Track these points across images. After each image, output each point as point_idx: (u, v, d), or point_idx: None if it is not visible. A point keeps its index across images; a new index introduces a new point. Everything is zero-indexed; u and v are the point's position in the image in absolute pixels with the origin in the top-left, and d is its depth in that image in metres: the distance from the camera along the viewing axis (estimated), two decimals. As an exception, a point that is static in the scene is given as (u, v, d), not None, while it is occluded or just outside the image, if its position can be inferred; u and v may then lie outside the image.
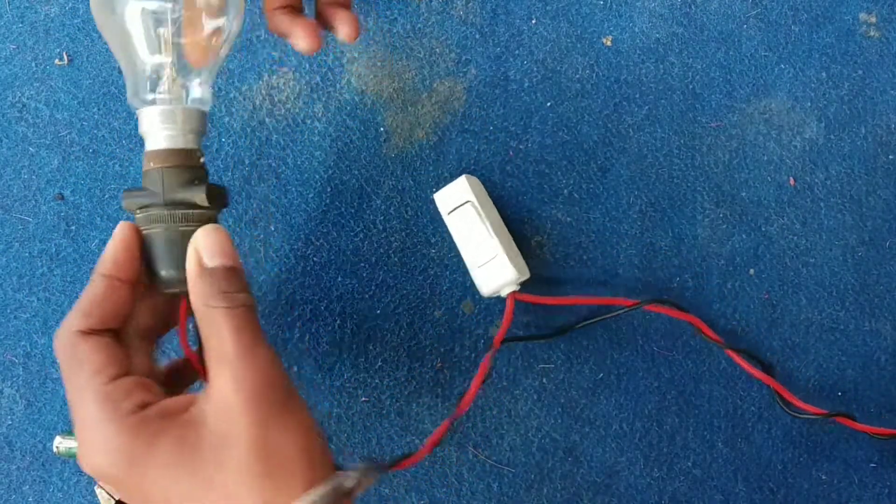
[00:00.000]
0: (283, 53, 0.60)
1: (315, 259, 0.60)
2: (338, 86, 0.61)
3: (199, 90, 0.49)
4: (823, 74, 0.62)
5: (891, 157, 0.61)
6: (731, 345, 0.59)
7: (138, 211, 0.47)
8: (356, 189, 0.60)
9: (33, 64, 0.60)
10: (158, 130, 0.47)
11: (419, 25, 0.61)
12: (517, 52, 0.61)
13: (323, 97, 0.60)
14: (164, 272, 0.47)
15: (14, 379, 0.59)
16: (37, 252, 0.59)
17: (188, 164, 0.47)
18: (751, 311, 0.60)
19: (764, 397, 0.60)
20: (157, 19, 0.48)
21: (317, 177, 0.60)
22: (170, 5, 0.48)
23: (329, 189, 0.60)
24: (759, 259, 0.61)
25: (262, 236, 0.60)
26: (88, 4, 0.60)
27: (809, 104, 0.61)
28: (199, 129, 0.48)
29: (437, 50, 0.61)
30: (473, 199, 0.57)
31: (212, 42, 0.49)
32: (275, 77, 0.60)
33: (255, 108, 0.60)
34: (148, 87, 0.48)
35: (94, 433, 0.43)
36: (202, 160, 0.48)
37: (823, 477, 0.60)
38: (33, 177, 0.60)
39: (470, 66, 0.61)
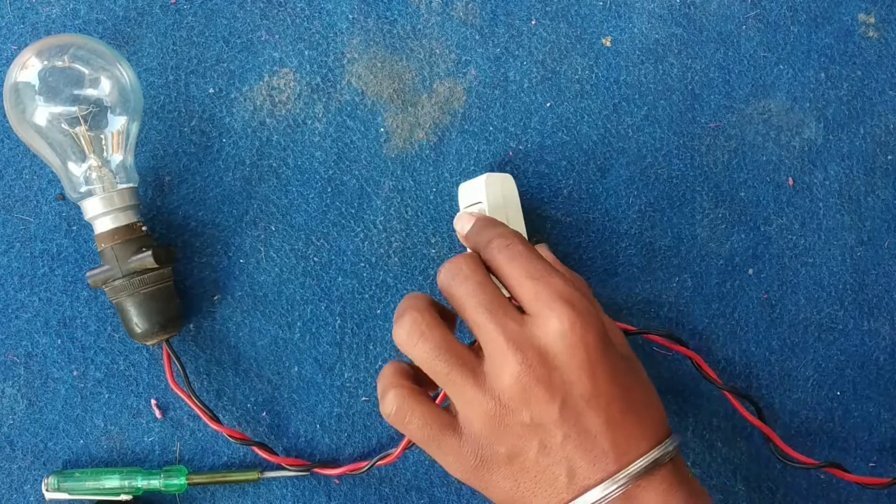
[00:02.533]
0: (283, 54, 0.61)
1: (315, 259, 0.60)
2: (338, 86, 0.61)
3: (124, 172, 0.56)
4: (822, 75, 0.62)
5: (889, 157, 0.61)
6: (728, 385, 0.58)
7: (104, 286, 0.55)
8: (356, 189, 0.60)
9: (35, 65, 0.60)
10: (102, 216, 0.55)
11: (419, 26, 0.61)
12: (517, 52, 0.61)
13: (323, 98, 0.61)
14: (140, 329, 0.56)
15: (15, 379, 0.59)
16: (38, 252, 0.60)
17: (133, 237, 0.55)
18: (749, 311, 0.61)
19: (763, 397, 0.60)
20: (70, 121, 0.55)
21: (317, 177, 0.60)
22: (75, 108, 0.54)
23: (329, 189, 0.60)
24: (758, 259, 0.61)
25: (262, 236, 0.60)
26: (90, 5, 0.60)
27: (808, 105, 0.62)
28: (134, 203, 0.56)
29: (437, 51, 0.61)
30: (484, 201, 0.56)
31: (122, 134, 0.56)
32: (275, 78, 0.61)
33: (255, 109, 0.61)
34: (83, 182, 0.55)
35: None
36: (144, 228, 0.56)
37: (822, 476, 0.60)
38: (34, 177, 0.60)
39: (470, 67, 0.61)
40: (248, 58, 0.61)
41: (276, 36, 0.61)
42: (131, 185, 0.57)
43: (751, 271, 0.61)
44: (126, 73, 0.56)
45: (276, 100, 0.61)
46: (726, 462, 0.60)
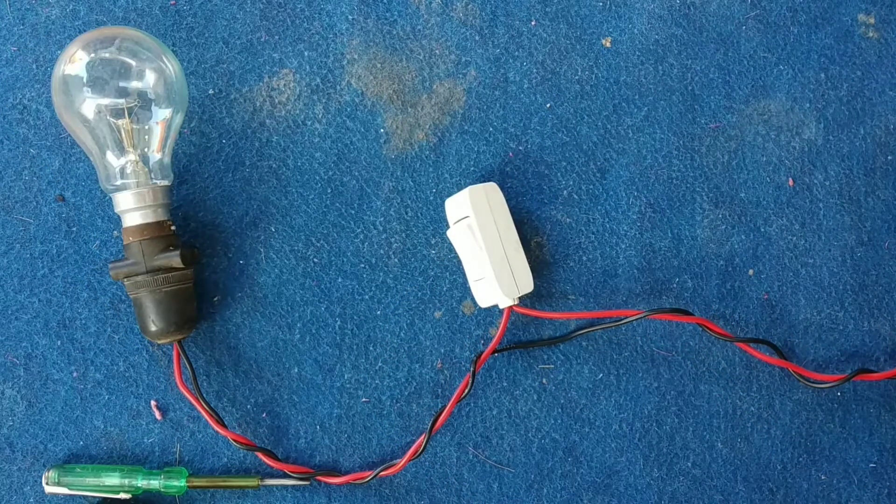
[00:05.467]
0: (283, 55, 0.61)
1: (315, 260, 0.60)
2: (338, 87, 0.61)
3: (160, 169, 0.57)
4: (822, 75, 0.62)
5: (889, 157, 0.61)
6: (741, 337, 0.59)
7: (125, 279, 0.55)
8: (356, 190, 0.60)
9: (34, 66, 0.60)
10: (133, 210, 0.55)
11: (419, 27, 0.61)
12: (517, 53, 0.61)
13: (323, 99, 0.61)
14: (156, 327, 0.55)
15: (15, 380, 0.59)
16: (38, 253, 0.60)
17: (162, 234, 0.55)
18: (750, 312, 0.61)
19: (763, 397, 0.60)
20: (114, 112, 0.55)
21: (317, 178, 0.60)
22: (122, 100, 0.55)
23: (329, 190, 0.60)
24: (759, 259, 0.61)
25: (262, 237, 0.60)
26: (89, 6, 0.60)
27: (808, 105, 0.62)
28: (166, 201, 0.56)
29: (437, 51, 0.61)
30: (472, 214, 0.57)
31: (165, 127, 0.56)
32: (275, 79, 0.61)
33: (255, 110, 0.60)
34: (118, 175, 0.56)
35: None
36: (173, 228, 0.55)
37: (823, 477, 0.60)
38: (34, 178, 0.60)
39: (469, 68, 0.61)
40: (248, 59, 0.61)
41: (276, 37, 0.61)
42: (166, 182, 0.57)
43: (751, 272, 0.61)
44: (171, 65, 0.56)
45: (276, 101, 0.61)
46: (726, 462, 0.60)
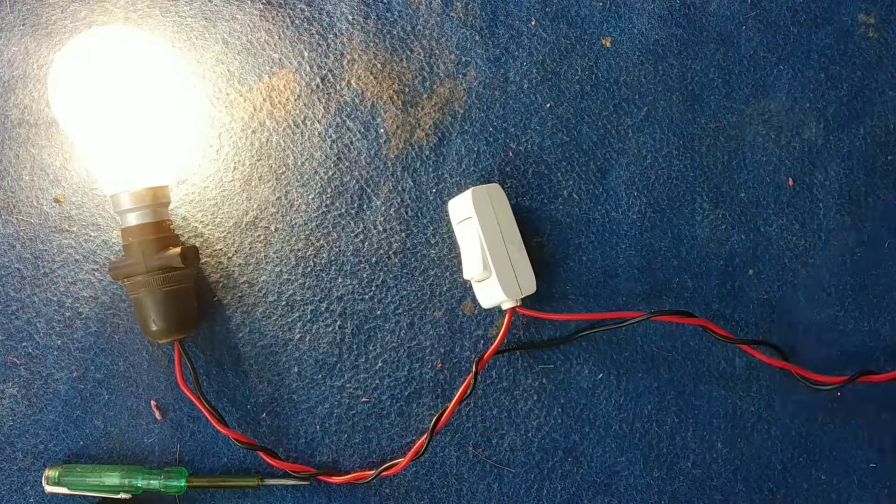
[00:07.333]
0: (283, 55, 0.61)
1: (315, 260, 0.60)
2: (338, 87, 0.61)
3: (158, 168, 0.56)
4: (822, 75, 0.62)
5: (889, 157, 0.61)
6: (743, 339, 0.59)
7: (125, 279, 0.55)
8: (356, 190, 0.60)
9: (35, 65, 0.60)
10: (131, 211, 0.55)
11: (419, 27, 0.61)
12: (517, 53, 0.61)
13: (323, 98, 0.61)
14: (156, 327, 0.55)
15: (16, 380, 0.59)
16: (38, 253, 0.60)
17: (162, 234, 0.54)
18: (750, 312, 0.61)
19: (763, 398, 0.60)
20: None
21: (317, 178, 0.60)
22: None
23: (329, 190, 0.60)
24: (758, 259, 0.61)
25: (262, 237, 0.60)
26: (90, 6, 0.60)
27: (808, 105, 0.62)
28: (164, 201, 0.56)
29: (437, 52, 0.61)
30: (475, 215, 0.57)
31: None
32: (275, 78, 0.61)
33: (255, 110, 0.60)
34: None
35: None
36: (172, 228, 0.56)
37: (823, 477, 0.60)
38: (35, 178, 0.60)
39: (469, 68, 0.61)
40: (248, 58, 0.61)
41: (276, 37, 0.61)
42: (164, 183, 0.57)
43: (751, 272, 0.61)
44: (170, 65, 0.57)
45: (276, 100, 0.61)
46: (726, 462, 0.60)
